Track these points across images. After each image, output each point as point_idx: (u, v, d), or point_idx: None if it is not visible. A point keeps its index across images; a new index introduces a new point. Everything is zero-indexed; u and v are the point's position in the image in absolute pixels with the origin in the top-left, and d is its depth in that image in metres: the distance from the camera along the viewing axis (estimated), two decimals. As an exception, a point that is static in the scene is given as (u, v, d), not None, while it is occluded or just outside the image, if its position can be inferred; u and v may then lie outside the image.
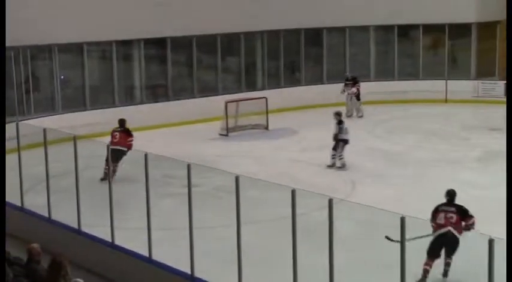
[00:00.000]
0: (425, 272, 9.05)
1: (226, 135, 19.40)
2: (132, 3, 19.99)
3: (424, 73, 24.28)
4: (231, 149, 17.83)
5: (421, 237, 8.72)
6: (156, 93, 21.48)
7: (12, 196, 11.63)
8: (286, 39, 23.54)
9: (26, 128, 12.05)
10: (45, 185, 10.92)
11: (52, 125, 14.14)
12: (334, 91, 22.70)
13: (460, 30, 24.29)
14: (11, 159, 11.72)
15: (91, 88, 19.98)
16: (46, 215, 10.95)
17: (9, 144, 11.98)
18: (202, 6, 21.16)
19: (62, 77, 19.56)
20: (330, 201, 6.94)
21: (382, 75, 24.34)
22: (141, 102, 20.84)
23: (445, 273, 9.21)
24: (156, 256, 9.13)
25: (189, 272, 8.60)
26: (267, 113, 20.12)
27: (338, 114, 15.88)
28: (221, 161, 15.27)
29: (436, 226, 9.17)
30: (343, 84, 21.94)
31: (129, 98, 21.06)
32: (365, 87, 22.45)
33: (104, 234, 9.87)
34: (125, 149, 13.86)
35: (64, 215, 10.71)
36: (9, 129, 12.16)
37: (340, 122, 15.70)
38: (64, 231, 10.53)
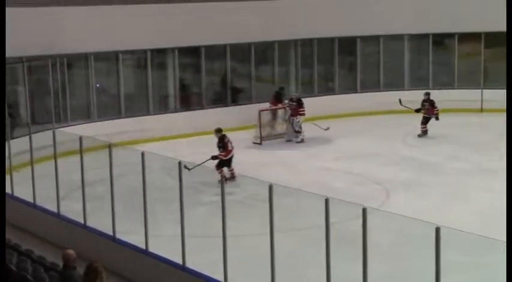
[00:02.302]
0: None
1: (260, 143, 19.42)
2: (166, 13, 20.14)
3: (459, 82, 24.05)
4: (265, 158, 17.84)
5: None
6: (190, 101, 21.58)
7: (49, 203, 11.79)
8: (320, 47, 23.50)
9: (62, 135, 12.21)
10: (81, 192, 11.04)
11: (88, 133, 14.30)
12: (368, 100, 22.69)
13: (496, 39, 24.03)
14: (47, 167, 11.90)
15: (126, 96, 20.16)
16: (82, 221, 11.07)
17: (47, 151, 12.14)
18: (237, 15, 21.23)
19: (98, 85, 19.76)
20: (364, 211, 6.93)
21: (416, 84, 24.17)
22: (175, 111, 20.97)
23: None
24: (190, 263, 9.18)
25: (222, 280, 8.63)
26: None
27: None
28: (254, 170, 15.27)
29: None
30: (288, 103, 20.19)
31: (163, 106, 21.20)
32: (399, 95, 22.38)
33: (138, 241, 9.95)
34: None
35: (99, 222, 10.82)
36: (46, 136, 12.34)
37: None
38: (99, 237, 10.63)
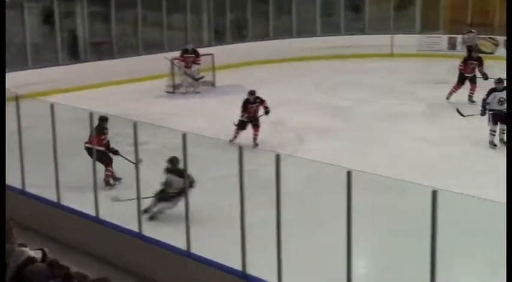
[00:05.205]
0: None
1: (173, 92, 19.24)
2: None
3: (370, 28, 24.37)
4: (178, 106, 17.69)
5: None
6: (101, 50, 21.09)
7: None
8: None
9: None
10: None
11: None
12: (281, 47, 22.76)
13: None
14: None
15: (32, 46, 19.51)
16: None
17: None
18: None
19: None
20: (277, 157, 6.96)
21: (328, 31, 24.35)
22: (85, 61, 20.47)
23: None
24: (103, 215, 9.07)
25: (137, 230, 8.58)
26: (213, 69, 20.00)
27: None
28: (168, 119, 15.13)
29: None
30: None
31: (72, 56, 20.65)
32: (311, 42, 22.51)
33: (48, 194, 9.75)
34: None
35: (7, 175, 10.50)
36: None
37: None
38: (8, 192, 10.34)
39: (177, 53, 19.70)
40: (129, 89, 19.19)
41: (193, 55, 19.43)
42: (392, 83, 19.91)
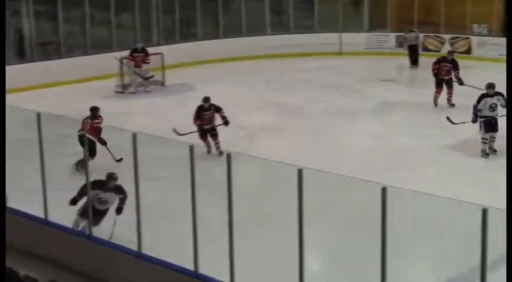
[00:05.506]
0: None
1: (122, 92, 19.07)
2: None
3: (319, 26, 24.54)
4: (128, 106, 17.54)
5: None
6: (48, 50, 20.79)
7: None
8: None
9: None
10: None
11: None
12: (230, 45, 22.78)
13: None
14: None
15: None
16: None
17: None
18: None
19: None
20: (228, 156, 6.95)
21: (278, 29, 24.45)
22: (32, 60, 20.16)
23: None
24: (52, 217, 8.94)
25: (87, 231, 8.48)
26: (163, 68, 19.89)
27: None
28: (118, 119, 14.97)
29: None
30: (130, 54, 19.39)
31: (19, 56, 20.32)
32: (261, 41, 22.58)
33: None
34: None
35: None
36: None
37: None
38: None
39: (126, 53, 19.52)
40: (78, 89, 18.95)
41: (142, 54, 19.29)
42: (342, 81, 20.09)
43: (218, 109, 13.45)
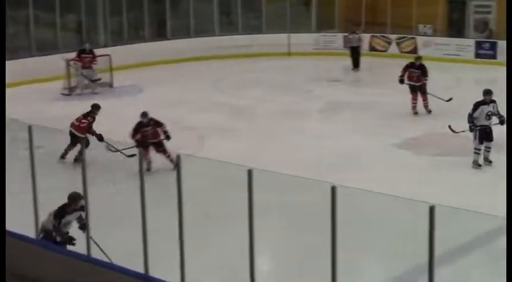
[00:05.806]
0: None
1: (69, 94, 18.80)
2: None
3: (267, 27, 24.61)
4: (74, 109, 17.24)
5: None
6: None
7: None
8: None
9: None
10: None
11: None
12: (179, 47, 22.68)
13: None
14: None
15: None
16: None
17: None
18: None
19: None
20: (178, 158, 6.88)
21: (226, 30, 24.44)
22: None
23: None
24: (9, 224, 8.73)
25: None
26: (111, 70, 19.68)
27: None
28: (64, 122, 14.75)
29: None
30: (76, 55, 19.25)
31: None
32: (210, 42, 22.52)
33: None
34: None
35: None
36: None
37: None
38: None
39: (72, 54, 19.27)
40: (23, 92, 18.61)
41: (90, 55, 19.07)
42: (290, 82, 20.17)
43: (159, 124, 12.55)
